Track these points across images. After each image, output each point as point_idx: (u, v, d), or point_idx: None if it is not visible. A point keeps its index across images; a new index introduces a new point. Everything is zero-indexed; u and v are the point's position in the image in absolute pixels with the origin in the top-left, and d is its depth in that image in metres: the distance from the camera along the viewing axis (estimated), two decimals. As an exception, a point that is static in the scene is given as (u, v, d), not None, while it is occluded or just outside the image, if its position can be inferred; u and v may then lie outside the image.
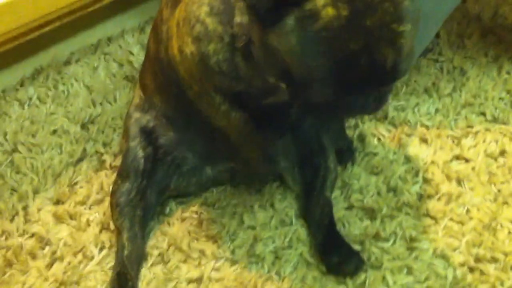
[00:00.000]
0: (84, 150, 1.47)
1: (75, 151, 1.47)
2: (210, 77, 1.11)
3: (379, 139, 1.46)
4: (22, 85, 1.65)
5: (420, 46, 1.51)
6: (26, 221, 1.34)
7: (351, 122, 1.49)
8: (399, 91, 1.56)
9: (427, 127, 1.47)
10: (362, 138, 1.45)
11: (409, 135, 1.46)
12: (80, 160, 1.46)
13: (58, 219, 1.34)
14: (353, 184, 1.36)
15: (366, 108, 0.98)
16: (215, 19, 1.06)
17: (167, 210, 1.34)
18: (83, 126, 1.53)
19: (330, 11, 0.86)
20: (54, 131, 1.52)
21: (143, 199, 1.29)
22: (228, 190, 1.37)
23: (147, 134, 1.31)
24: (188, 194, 1.36)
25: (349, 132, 1.46)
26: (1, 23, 1.49)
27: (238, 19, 1.03)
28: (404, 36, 0.89)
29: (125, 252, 1.23)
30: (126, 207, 1.27)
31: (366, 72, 0.89)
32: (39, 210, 1.36)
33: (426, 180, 1.36)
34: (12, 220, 1.34)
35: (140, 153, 1.30)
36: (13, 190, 1.40)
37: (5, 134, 1.51)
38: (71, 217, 1.34)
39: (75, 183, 1.41)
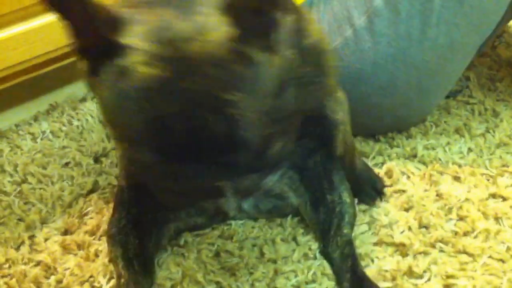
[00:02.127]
0: (96, 182, 1.40)
1: (86, 183, 1.40)
2: None
3: (408, 177, 1.37)
4: (36, 119, 1.60)
5: (450, 79, 1.45)
6: (32, 250, 1.26)
7: (378, 159, 1.42)
8: (428, 131, 1.49)
9: (459, 166, 1.39)
10: (390, 175, 1.37)
11: (440, 173, 1.37)
12: (92, 192, 1.38)
13: (66, 249, 1.25)
14: (382, 220, 1.27)
15: (216, 178, 0.86)
16: None
17: (182, 241, 1.25)
18: (96, 160, 1.47)
19: (143, 70, 0.77)
20: (66, 164, 1.46)
21: (137, 227, 1.19)
22: (247, 223, 1.28)
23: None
24: (197, 227, 1.27)
25: (376, 170, 1.38)
26: (16, 53, 1.47)
27: None
28: (233, 106, 0.78)
29: (122, 281, 1.13)
30: (118, 235, 1.18)
31: (186, 138, 0.79)
32: (46, 239, 1.28)
33: (461, 217, 1.26)
34: (17, 249, 1.26)
35: (123, 182, 1.23)
36: (20, 219, 1.32)
37: (15, 166, 1.45)
38: (79, 247, 1.26)
39: (85, 214, 1.33)
